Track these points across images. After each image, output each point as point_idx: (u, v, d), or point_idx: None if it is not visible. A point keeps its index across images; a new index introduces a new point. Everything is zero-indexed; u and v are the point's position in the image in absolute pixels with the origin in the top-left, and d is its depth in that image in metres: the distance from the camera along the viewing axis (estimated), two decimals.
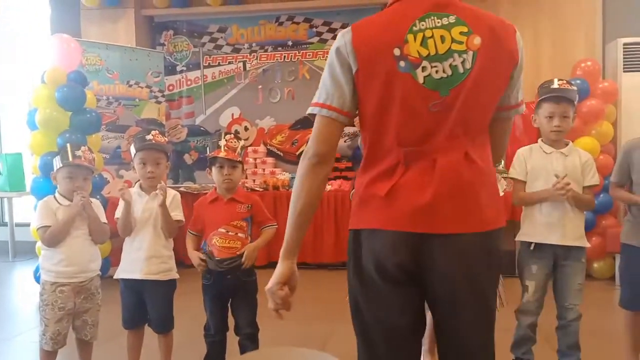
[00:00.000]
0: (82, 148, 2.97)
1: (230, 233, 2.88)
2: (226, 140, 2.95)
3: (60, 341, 2.89)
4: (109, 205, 4.59)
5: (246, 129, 7.21)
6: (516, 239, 3.02)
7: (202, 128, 7.34)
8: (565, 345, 2.97)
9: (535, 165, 2.95)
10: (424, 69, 1.49)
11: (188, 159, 7.33)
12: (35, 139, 5.02)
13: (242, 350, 2.91)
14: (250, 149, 6.95)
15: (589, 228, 4.26)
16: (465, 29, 1.50)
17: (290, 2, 6.99)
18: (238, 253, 2.87)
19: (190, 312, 3.30)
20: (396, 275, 1.54)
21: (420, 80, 1.49)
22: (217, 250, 2.87)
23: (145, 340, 3.11)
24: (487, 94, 1.56)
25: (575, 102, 2.95)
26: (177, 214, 3.02)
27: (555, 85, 2.94)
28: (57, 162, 2.96)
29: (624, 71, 5.54)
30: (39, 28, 7.32)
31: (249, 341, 2.91)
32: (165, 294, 3.01)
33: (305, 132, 7.00)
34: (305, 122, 7.00)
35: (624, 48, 5.55)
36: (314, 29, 7.06)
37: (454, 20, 1.50)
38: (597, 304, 2.98)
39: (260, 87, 7.20)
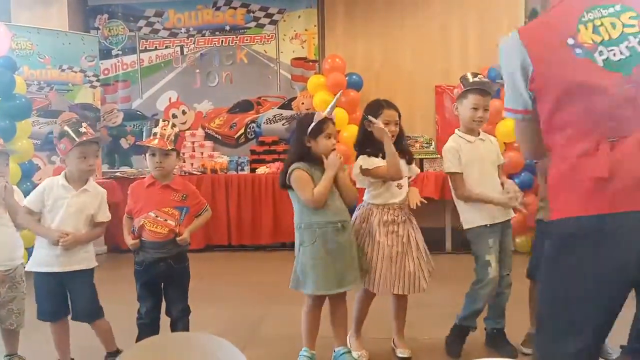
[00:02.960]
0: None
1: (159, 218, 2.89)
2: (159, 127, 2.96)
3: None
4: None
5: (184, 112, 7.19)
6: (467, 227, 3.08)
7: (138, 112, 7.27)
8: (496, 314, 3.17)
9: (468, 156, 3.06)
10: (600, 53, 1.58)
11: (124, 143, 7.26)
12: None
13: None
14: (188, 132, 6.93)
15: None
16: (634, 14, 1.61)
17: None
18: (164, 239, 2.89)
19: (125, 298, 3.30)
20: None
21: (600, 64, 1.58)
22: (144, 232, 2.90)
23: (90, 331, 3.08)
24: None
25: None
26: (109, 215, 3.04)
27: (476, 78, 3.06)
28: None
29: None
30: None
31: (180, 324, 2.96)
32: (90, 282, 2.98)
33: (244, 116, 7.04)
34: (244, 106, 7.03)
35: None
36: (251, 14, 7.07)
37: (620, 8, 1.62)
38: (521, 275, 3.16)
39: (197, 71, 7.18)
